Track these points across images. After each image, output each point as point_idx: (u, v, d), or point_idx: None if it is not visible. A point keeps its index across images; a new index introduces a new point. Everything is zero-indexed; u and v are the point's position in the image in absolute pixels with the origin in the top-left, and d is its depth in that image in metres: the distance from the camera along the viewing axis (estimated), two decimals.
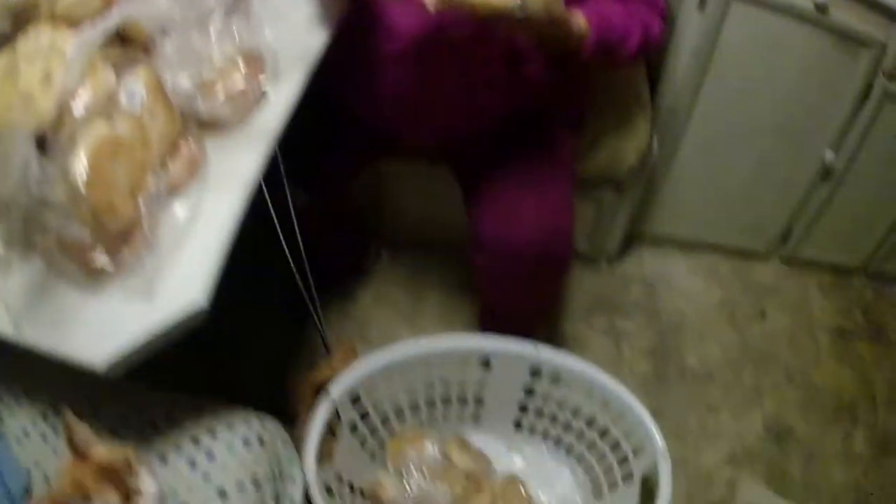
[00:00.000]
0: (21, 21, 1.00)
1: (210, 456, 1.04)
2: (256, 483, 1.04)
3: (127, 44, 1.04)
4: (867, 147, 1.89)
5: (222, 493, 1.01)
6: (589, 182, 1.83)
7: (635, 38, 1.32)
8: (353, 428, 1.51)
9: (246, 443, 1.06)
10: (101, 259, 0.90)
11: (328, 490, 1.35)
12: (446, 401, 1.65)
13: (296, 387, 1.47)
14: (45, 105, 0.91)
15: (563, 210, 1.47)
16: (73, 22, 1.00)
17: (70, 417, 0.88)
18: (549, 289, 1.65)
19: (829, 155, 1.91)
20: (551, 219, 1.43)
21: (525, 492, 1.65)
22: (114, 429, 1.04)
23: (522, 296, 1.57)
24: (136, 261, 0.92)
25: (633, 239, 2.19)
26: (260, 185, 1.08)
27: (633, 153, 1.79)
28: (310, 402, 1.39)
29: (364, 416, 1.53)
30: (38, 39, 0.97)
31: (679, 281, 2.15)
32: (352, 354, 1.49)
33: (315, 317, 1.45)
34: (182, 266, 0.93)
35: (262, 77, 1.12)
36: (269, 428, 1.11)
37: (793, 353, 2.09)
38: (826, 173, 1.97)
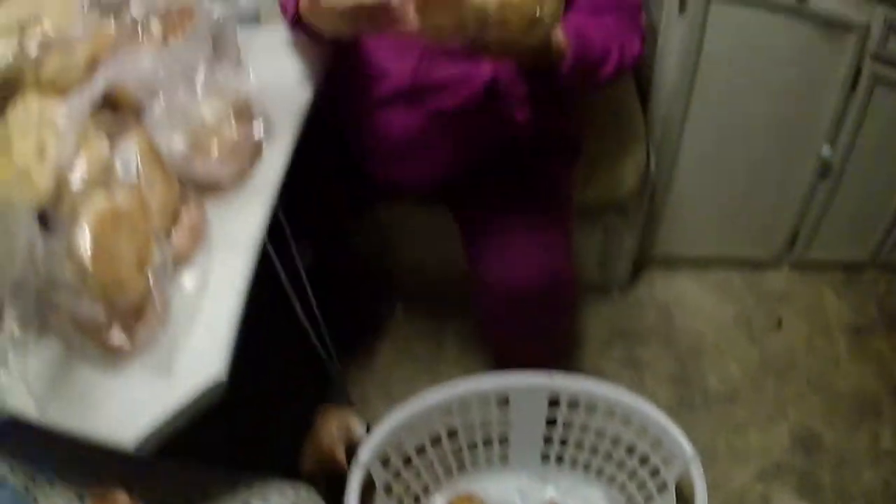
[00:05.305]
0: (7, 89, 1.00)
1: None
2: None
3: (116, 107, 1.03)
4: (862, 136, 1.88)
5: None
6: (591, 209, 1.82)
7: (613, 59, 1.28)
8: (388, 489, 1.50)
9: None
10: (116, 336, 0.89)
11: None
12: (472, 446, 1.63)
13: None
14: (43, 181, 0.90)
15: (562, 246, 1.47)
16: (59, 89, 1.00)
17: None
18: (556, 325, 1.63)
19: (825, 150, 1.90)
20: (550, 256, 1.42)
21: None
22: None
23: (530, 334, 1.55)
24: (151, 336, 0.91)
25: (642, 262, 2.17)
26: (265, 246, 1.07)
27: (632, 174, 1.78)
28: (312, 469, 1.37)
29: (396, 474, 1.52)
30: (28, 110, 0.97)
31: (693, 300, 2.13)
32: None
33: (333, 365, 1.43)
34: (198, 338, 0.93)
35: (254, 131, 1.12)
36: (304, 496, 1.08)
37: (812, 359, 2.07)
38: (825, 170, 1.95)
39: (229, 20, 1.18)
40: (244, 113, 1.11)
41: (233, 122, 1.08)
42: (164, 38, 1.13)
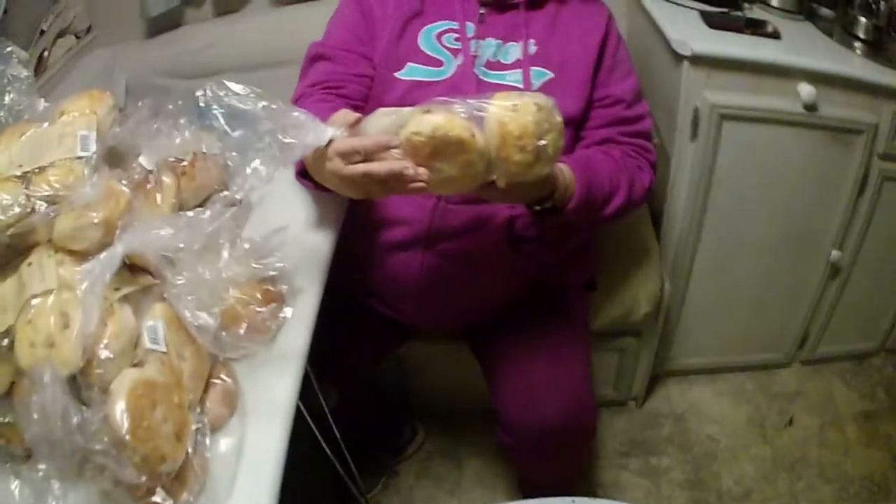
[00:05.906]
0: (19, 241, 0.99)
1: None
2: None
3: (135, 270, 1.02)
4: (871, 233, 1.92)
5: None
6: (607, 334, 1.87)
7: (622, 194, 1.29)
8: None
9: None
10: (159, 497, 0.89)
11: None
12: None
13: None
14: (69, 352, 0.88)
15: (582, 379, 1.46)
16: (74, 250, 0.98)
17: None
18: (578, 454, 1.65)
19: (834, 254, 1.94)
20: (571, 392, 1.42)
21: None
22: None
23: (552, 460, 1.56)
24: (193, 499, 0.92)
25: (657, 376, 2.23)
26: None
27: (647, 299, 1.82)
28: None
29: None
30: (43, 268, 0.96)
31: (707, 407, 2.20)
32: None
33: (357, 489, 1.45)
34: (240, 499, 0.93)
35: (279, 300, 1.11)
36: None
37: (823, 450, 2.12)
38: (834, 272, 2.00)
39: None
40: (268, 286, 1.10)
41: (258, 296, 1.07)
42: (177, 188, 1.13)
